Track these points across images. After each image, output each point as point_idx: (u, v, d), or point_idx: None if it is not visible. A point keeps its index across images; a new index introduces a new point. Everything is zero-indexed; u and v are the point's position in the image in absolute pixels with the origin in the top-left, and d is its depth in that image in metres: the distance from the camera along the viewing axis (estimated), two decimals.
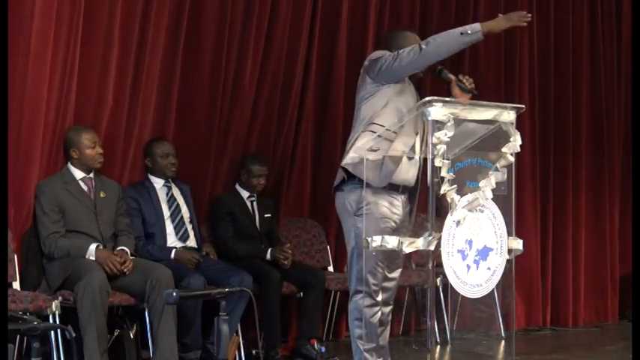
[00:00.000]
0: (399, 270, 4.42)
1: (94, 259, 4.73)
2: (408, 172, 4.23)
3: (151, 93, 5.43)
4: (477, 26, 4.07)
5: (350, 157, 4.22)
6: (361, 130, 4.25)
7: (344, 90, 6.22)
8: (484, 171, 3.89)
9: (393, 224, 4.21)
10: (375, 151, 4.12)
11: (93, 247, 4.77)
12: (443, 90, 4.38)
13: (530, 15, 4.13)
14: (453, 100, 3.93)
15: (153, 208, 5.27)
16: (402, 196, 4.27)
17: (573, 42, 7.70)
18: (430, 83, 6.00)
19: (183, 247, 5.28)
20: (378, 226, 4.11)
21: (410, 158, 4.20)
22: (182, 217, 5.35)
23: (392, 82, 4.25)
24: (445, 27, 6.71)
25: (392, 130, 4.11)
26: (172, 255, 5.18)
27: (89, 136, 4.96)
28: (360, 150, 4.18)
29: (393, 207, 4.23)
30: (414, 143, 4.18)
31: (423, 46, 4.11)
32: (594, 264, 7.78)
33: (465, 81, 4.25)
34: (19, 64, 4.76)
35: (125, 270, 4.74)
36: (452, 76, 4.29)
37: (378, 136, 4.13)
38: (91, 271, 4.58)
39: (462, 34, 4.07)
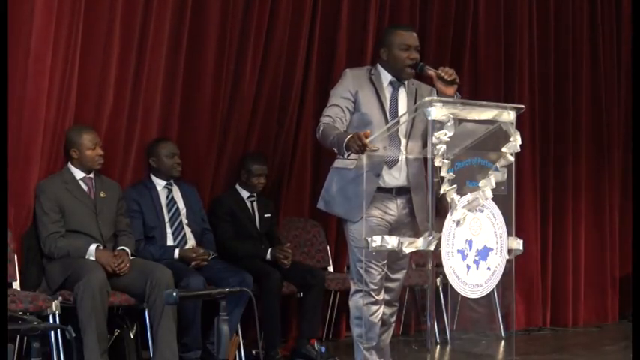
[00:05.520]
0: (404, 271, 4.40)
1: (94, 259, 4.73)
2: (392, 179, 4.23)
3: (152, 93, 5.43)
4: (343, 140, 4.01)
5: (320, 199, 4.41)
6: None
7: None
8: (484, 171, 3.89)
9: (387, 224, 4.23)
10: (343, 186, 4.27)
11: (93, 247, 4.77)
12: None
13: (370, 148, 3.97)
14: (452, 100, 3.93)
15: (154, 211, 5.27)
16: (399, 198, 4.26)
17: (573, 42, 7.70)
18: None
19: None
20: (369, 226, 4.11)
21: (392, 164, 4.21)
22: (181, 221, 5.35)
23: None
24: (445, 26, 6.84)
25: (352, 158, 4.15)
26: (176, 254, 5.19)
27: (90, 137, 4.96)
28: (328, 189, 4.34)
29: (387, 208, 4.24)
30: (400, 146, 4.19)
31: (317, 132, 4.26)
32: (594, 264, 7.78)
33: (444, 74, 4.21)
34: (19, 64, 4.76)
35: (119, 272, 4.73)
36: (432, 72, 4.25)
37: (341, 168, 4.27)
38: (91, 271, 4.58)
39: (330, 144, 4.14)
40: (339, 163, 4.30)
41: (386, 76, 4.36)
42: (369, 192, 4.13)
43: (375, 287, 4.21)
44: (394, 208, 4.25)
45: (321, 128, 4.23)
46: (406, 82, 4.39)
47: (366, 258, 4.13)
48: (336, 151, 4.15)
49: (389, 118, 4.26)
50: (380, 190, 4.21)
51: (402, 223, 4.27)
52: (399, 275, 4.38)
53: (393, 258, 4.26)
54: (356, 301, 4.25)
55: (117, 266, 4.73)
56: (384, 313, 4.30)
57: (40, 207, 4.81)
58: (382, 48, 4.39)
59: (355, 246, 4.21)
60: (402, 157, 4.21)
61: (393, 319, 4.42)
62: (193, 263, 5.16)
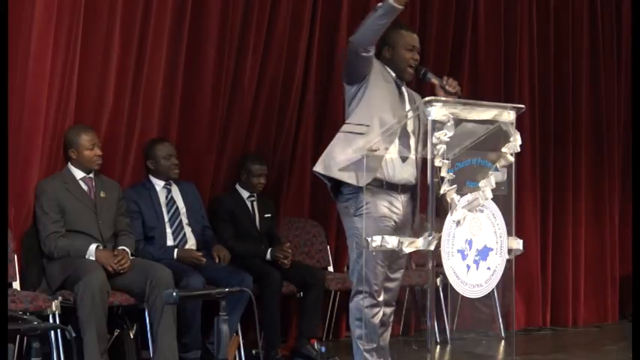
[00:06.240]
0: (402, 271, 4.40)
1: (93, 259, 4.73)
2: (403, 172, 4.22)
3: (152, 93, 5.43)
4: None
5: (320, 161, 4.27)
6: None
7: (344, 90, 6.21)
8: (484, 171, 3.89)
9: (393, 223, 4.21)
10: (347, 150, 4.16)
11: (93, 247, 4.77)
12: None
13: None
14: (452, 100, 3.93)
15: (153, 211, 5.27)
16: (403, 196, 4.26)
17: (573, 42, 7.70)
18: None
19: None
20: (377, 226, 4.10)
21: (404, 159, 4.20)
22: (180, 221, 5.34)
23: (354, 81, 4.27)
24: (445, 27, 6.83)
25: (364, 124, 4.12)
26: (175, 255, 5.19)
27: (88, 137, 4.95)
28: (330, 153, 4.22)
29: (393, 206, 4.23)
30: (409, 143, 4.19)
31: (351, 39, 4.16)
32: (594, 264, 7.78)
33: (448, 86, 4.22)
34: (19, 64, 4.76)
35: (121, 269, 4.73)
36: (435, 81, 4.26)
37: (350, 133, 4.18)
38: (91, 271, 4.58)
39: (374, 11, 4.06)
40: (347, 127, 4.23)
41: (390, 73, 4.36)
42: (372, 166, 4.09)
43: (377, 288, 4.20)
44: (400, 206, 4.25)
45: (350, 38, 4.16)
46: (404, 84, 4.40)
47: (372, 259, 4.12)
48: (381, 12, 4.05)
49: (399, 101, 4.26)
50: (387, 185, 4.20)
51: (405, 222, 4.27)
52: (398, 275, 4.38)
53: (393, 258, 4.26)
54: (357, 303, 4.23)
55: (117, 263, 4.72)
56: (383, 314, 4.30)
57: (40, 206, 4.81)
58: (385, 47, 4.38)
59: (362, 245, 4.17)
60: (412, 155, 4.20)
61: (392, 318, 4.42)
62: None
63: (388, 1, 4.00)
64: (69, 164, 4.98)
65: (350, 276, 4.33)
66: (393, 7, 4.02)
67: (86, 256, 4.74)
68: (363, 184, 4.11)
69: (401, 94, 4.34)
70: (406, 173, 4.23)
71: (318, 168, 4.27)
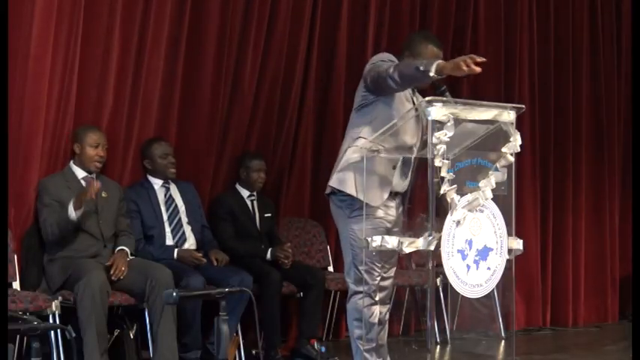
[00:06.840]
0: (394, 269, 4.42)
1: (74, 217, 4.68)
2: (399, 185, 4.24)
3: (152, 93, 5.43)
4: (431, 64, 3.88)
5: (337, 177, 4.24)
6: (347, 145, 4.26)
7: (344, 89, 6.22)
8: (484, 171, 3.89)
9: (388, 225, 4.22)
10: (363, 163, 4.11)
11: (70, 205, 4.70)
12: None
13: (482, 59, 3.83)
14: (452, 99, 3.93)
15: (152, 210, 5.27)
16: (395, 200, 4.28)
17: (573, 42, 7.70)
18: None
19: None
20: (374, 228, 4.11)
21: (406, 175, 4.20)
22: (180, 220, 5.34)
23: (377, 94, 4.21)
24: (445, 27, 6.83)
25: (378, 143, 4.08)
26: (175, 255, 5.18)
27: (95, 136, 4.97)
28: (347, 168, 4.19)
29: (388, 209, 4.24)
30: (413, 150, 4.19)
31: (390, 71, 4.02)
32: (594, 264, 7.78)
33: None
34: (19, 64, 4.77)
35: (113, 277, 4.71)
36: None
37: (365, 149, 4.13)
38: (91, 271, 4.59)
39: (416, 68, 3.94)
40: (360, 142, 4.19)
41: None
42: (387, 180, 4.11)
43: (375, 288, 4.21)
44: (393, 210, 4.26)
45: (392, 68, 4.01)
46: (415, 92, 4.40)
47: (368, 259, 4.13)
48: (420, 76, 3.90)
49: (415, 124, 4.24)
50: None
51: (395, 223, 4.27)
52: (392, 273, 4.39)
53: (387, 257, 4.26)
54: (355, 303, 4.23)
55: (113, 274, 4.71)
56: (380, 313, 4.30)
57: (42, 202, 4.80)
58: (407, 51, 4.32)
59: (358, 246, 4.19)
60: (413, 159, 4.20)
61: (387, 316, 4.42)
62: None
63: (429, 75, 3.87)
64: (71, 163, 4.98)
65: (346, 277, 4.33)
66: (429, 77, 3.91)
67: (68, 213, 4.67)
68: (377, 203, 4.13)
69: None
70: (400, 186, 4.26)
71: (333, 183, 4.26)
